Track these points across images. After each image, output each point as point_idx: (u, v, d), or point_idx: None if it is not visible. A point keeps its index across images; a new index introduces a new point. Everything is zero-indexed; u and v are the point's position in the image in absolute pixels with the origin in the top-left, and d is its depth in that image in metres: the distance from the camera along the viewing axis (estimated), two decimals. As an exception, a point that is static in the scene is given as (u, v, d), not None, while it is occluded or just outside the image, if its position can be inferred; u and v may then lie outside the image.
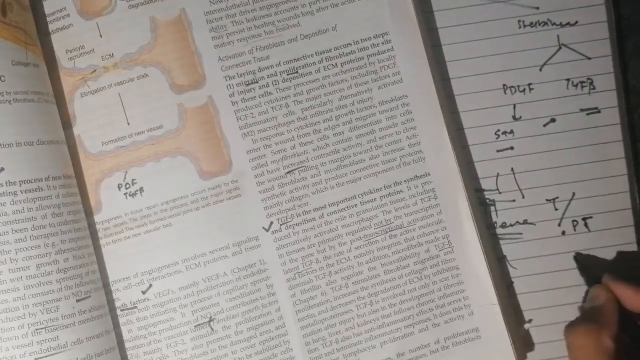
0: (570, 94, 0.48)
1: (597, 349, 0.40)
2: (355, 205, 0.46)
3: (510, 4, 0.48)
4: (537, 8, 0.48)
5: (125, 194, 0.45)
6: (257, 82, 0.46)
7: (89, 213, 0.45)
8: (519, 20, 0.48)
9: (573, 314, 0.46)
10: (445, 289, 0.47)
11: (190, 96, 0.46)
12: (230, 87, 0.46)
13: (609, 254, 0.48)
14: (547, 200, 0.48)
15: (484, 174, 0.48)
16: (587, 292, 0.47)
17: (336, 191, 0.46)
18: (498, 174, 0.48)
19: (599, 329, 0.40)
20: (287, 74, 0.46)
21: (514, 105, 0.48)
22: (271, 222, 0.46)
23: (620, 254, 0.47)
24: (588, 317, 0.42)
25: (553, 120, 0.48)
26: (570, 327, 0.42)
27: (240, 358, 0.45)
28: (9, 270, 0.40)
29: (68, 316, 0.42)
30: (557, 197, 0.48)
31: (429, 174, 0.47)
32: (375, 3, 0.47)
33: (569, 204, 0.48)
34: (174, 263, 0.45)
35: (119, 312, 0.45)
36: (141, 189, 0.45)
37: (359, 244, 0.46)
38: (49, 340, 0.41)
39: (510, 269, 0.48)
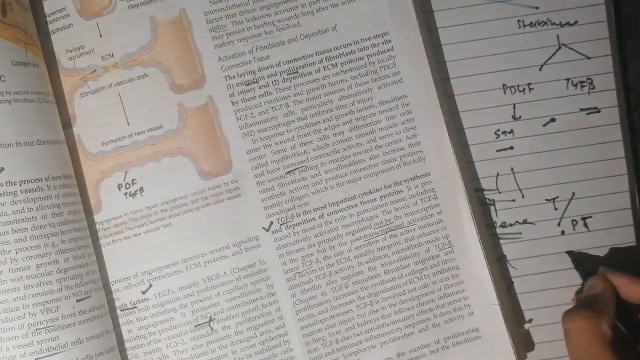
0: (570, 93, 0.48)
1: (595, 334, 0.40)
2: (355, 205, 0.46)
3: (510, 4, 0.48)
4: (537, 8, 0.48)
5: (125, 194, 0.45)
6: (257, 82, 0.46)
7: (89, 213, 0.45)
8: (519, 20, 0.48)
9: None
10: (445, 289, 0.46)
11: (190, 96, 0.46)
12: (230, 87, 0.46)
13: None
14: (546, 200, 0.48)
15: (484, 173, 0.48)
16: (581, 286, 0.47)
17: (336, 191, 0.46)
18: (498, 173, 0.48)
19: (598, 315, 0.41)
20: (287, 74, 0.46)
21: (514, 105, 0.48)
22: (271, 222, 0.46)
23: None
24: (586, 304, 0.42)
25: (553, 120, 0.48)
26: (569, 312, 0.42)
27: (240, 358, 0.45)
28: (9, 270, 0.40)
29: (68, 316, 0.42)
30: (557, 197, 0.48)
31: (429, 174, 0.47)
32: (375, 3, 0.47)
33: (568, 204, 0.48)
34: (174, 263, 0.45)
35: (119, 312, 0.45)
36: (141, 189, 0.45)
37: (359, 244, 0.46)
38: (49, 340, 0.41)
39: (510, 268, 0.48)
